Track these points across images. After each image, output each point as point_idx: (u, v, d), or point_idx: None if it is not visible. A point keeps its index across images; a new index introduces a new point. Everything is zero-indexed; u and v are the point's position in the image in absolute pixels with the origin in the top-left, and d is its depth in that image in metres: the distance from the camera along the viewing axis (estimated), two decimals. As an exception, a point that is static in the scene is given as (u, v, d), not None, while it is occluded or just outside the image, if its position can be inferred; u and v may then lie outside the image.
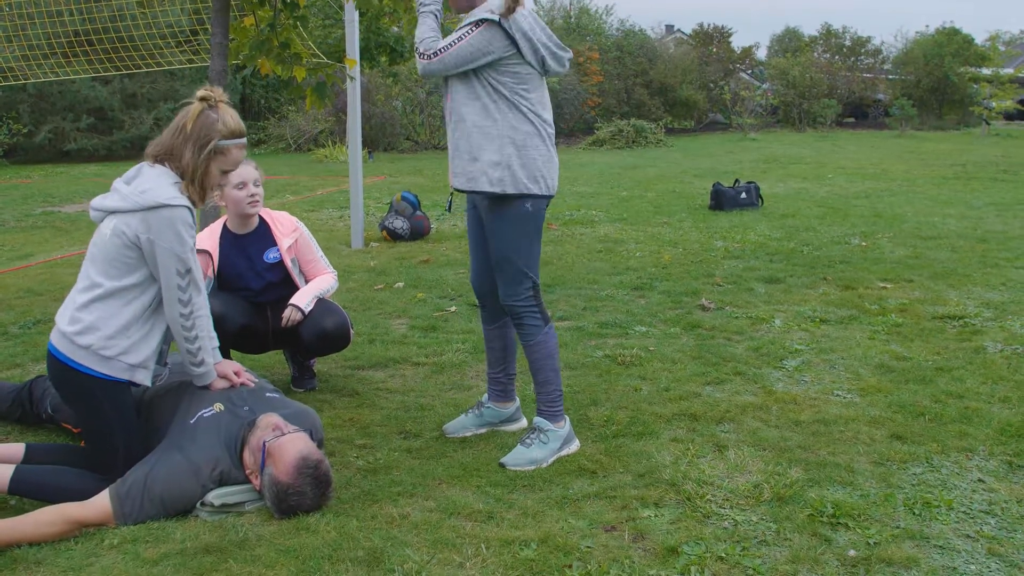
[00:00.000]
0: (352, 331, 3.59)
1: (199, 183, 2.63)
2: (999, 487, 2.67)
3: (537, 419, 2.98)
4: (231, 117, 2.68)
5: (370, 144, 18.20)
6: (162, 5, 13.90)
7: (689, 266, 6.01)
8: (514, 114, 2.84)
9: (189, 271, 2.62)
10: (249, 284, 3.51)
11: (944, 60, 24.28)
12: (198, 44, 15.26)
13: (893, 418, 3.21)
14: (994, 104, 21.84)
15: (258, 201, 3.45)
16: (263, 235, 3.54)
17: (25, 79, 12.97)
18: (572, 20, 24.87)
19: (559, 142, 21.33)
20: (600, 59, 22.39)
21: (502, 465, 2.86)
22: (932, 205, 9.20)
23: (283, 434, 2.57)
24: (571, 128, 22.04)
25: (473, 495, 2.65)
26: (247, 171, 3.36)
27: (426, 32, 2.83)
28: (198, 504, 2.57)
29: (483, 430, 3.17)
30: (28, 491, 2.62)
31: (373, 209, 9.35)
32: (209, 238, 3.49)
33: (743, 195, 8.94)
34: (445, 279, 5.73)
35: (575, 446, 3.01)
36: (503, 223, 2.90)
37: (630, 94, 22.84)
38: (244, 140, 2.73)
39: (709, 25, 25.69)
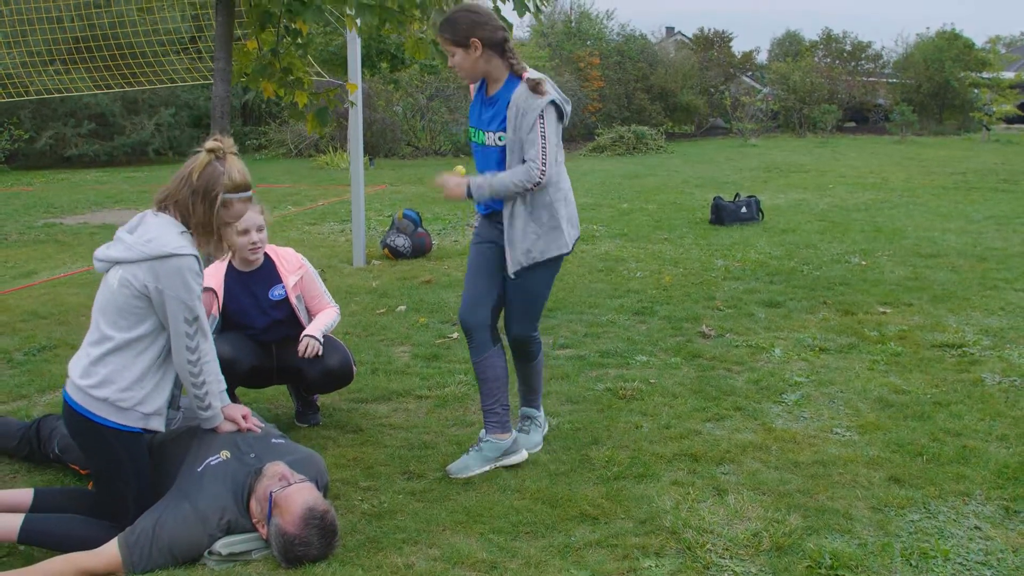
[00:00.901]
0: (355, 368, 3.63)
1: (216, 234, 2.67)
2: (995, 535, 2.71)
3: (527, 409, 3.47)
4: (237, 171, 2.70)
5: (371, 150, 18.22)
6: (162, 11, 13.94)
7: (690, 288, 6.04)
8: (563, 172, 3.20)
9: (197, 318, 2.66)
10: (254, 322, 3.54)
11: (944, 65, 24.31)
12: (196, 53, 15.31)
13: (891, 458, 3.24)
14: (995, 109, 21.87)
15: (259, 248, 3.47)
16: (268, 272, 3.57)
17: (27, 94, 13.02)
18: (573, 25, 24.88)
19: (560, 147, 21.37)
20: (601, 64, 22.43)
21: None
22: (932, 218, 9.24)
23: (289, 484, 2.61)
24: (572, 134, 22.07)
25: (477, 543, 2.69)
26: (252, 218, 3.38)
27: (518, 178, 3.07)
28: (206, 553, 2.61)
29: (487, 467, 3.23)
30: (38, 540, 2.66)
31: (375, 223, 9.38)
32: (214, 275, 3.51)
33: (743, 209, 8.98)
34: (447, 302, 5.76)
35: (547, 424, 3.59)
36: (547, 269, 3.25)
37: (630, 99, 22.89)
38: (249, 194, 2.76)
39: (709, 30, 25.74)
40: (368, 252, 7.40)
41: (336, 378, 3.52)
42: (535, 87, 3.07)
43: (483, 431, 3.29)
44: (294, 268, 3.61)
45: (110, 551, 2.56)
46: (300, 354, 3.46)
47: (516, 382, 3.52)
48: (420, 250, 7.40)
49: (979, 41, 24.86)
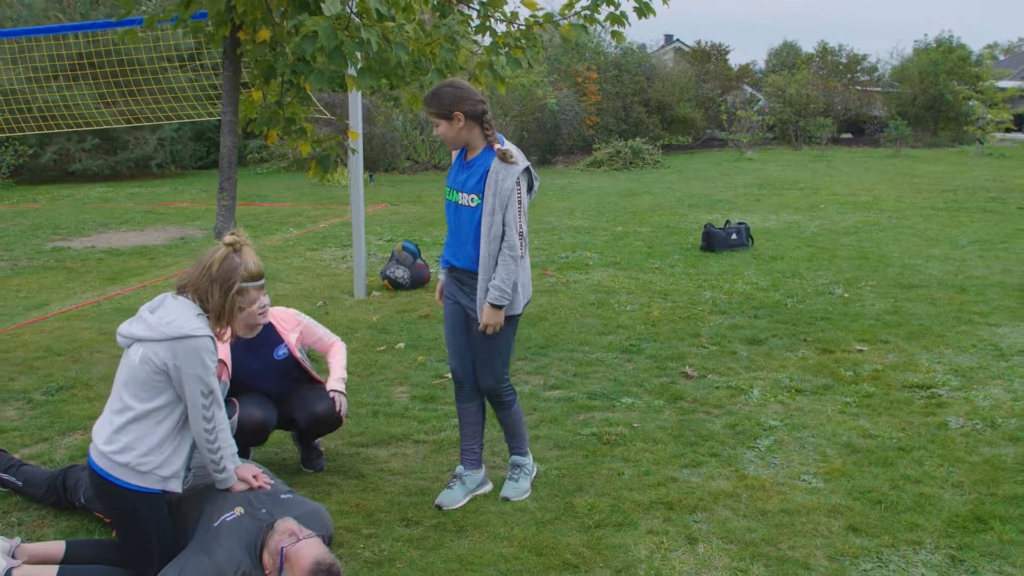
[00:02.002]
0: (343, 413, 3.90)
1: (226, 320, 2.94)
2: (940, 584, 2.97)
3: (515, 458, 3.75)
4: (253, 261, 2.99)
5: (371, 166, 18.50)
6: (164, 28, 14.26)
7: (677, 323, 6.31)
8: (525, 240, 3.46)
9: (212, 392, 2.93)
10: (267, 383, 3.80)
11: (939, 78, 24.58)
12: (197, 68, 15.56)
13: (852, 507, 3.51)
14: (990, 115, 22.09)
15: (267, 309, 3.74)
16: (269, 335, 3.83)
17: (30, 110, 13.30)
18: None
19: (558, 160, 21.76)
20: (598, 78, 22.70)
21: (505, 499, 3.61)
22: (918, 243, 9.51)
23: (299, 539, 2.87)
24: (569, 147, 22.35)
25: (468, 592, 2.96)
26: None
27: (507, 258, 3.41)
28: (222, 602, 2.87)
29: (469, 498, 3.66)
30: (70, 590, 2.93)
31: (375, 247, 9.66)
32: (221, 346, 3.75)
33: (733, 236, 9.26)
34: (443, 338, 6.02)
35: (536, 468, 3.83)
36: (506, 326, 3.52)
37: (628, 112, 23.16)
38: (262, 282, 3.04)
39: (707, 43, 26.01)
40: (368, 282, 7.66)
41: (324, 424, 3.80)
42: (503, 156, 3.41)
43: (461, 467, 3.73)
44: (292, 326, 3.88)
45: (136, 601, 2.83)
46: (337, 410, 3.80)
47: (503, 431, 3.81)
48: (419, 281, 7.67)
49: (976, 47, 25.19)
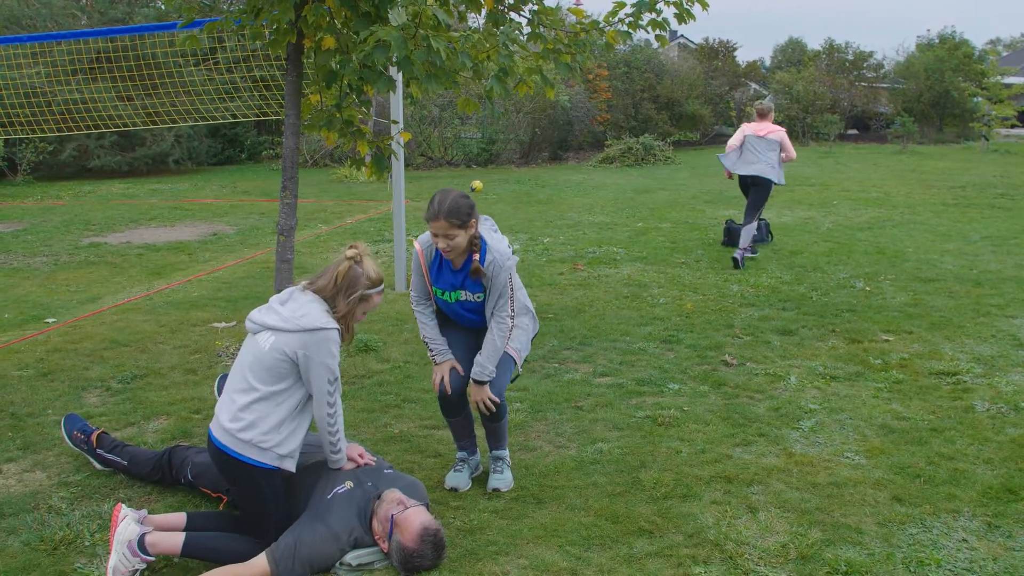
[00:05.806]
0: None
1: (348, 323, 3.27)
2: (979, 546, 3.30)
3: (497, 452, 3.94)
4: (373, 270, 3.32)
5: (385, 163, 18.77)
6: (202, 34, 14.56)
7: (710, 315, 6.63)
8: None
9: (336, 379, 3.26)
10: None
11: (945, 76, 24.86)
12: (213, 65, 15.83)
13: (894, 480, 3.84)
14: (995, 112, 22.39)
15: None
16: None
17: (57, 127, 13.60)
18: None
19: (569, 157, 22.07)
20: (608, 75, 22.99)
21: (496, 490, 3.80)
22: (932, 239, 9.83)
23: (407, 508, 3.20)
24: (580, 143, 22.68)
25: (557, 554, 3.29)
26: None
27: (500, 336, 3.72)
28: (337, 564, 3.20)
29: (478, 473, 4.01)
30: (198, 553, 3.25)
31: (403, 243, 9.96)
32: None
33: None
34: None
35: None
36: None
37: (637, 109, 23.45)
38: (383, 287, 3.36)
39: (715, 40, 26.29)
40: (408, 276, 7.99)
41: None
42: (476, 273, 3.64)
43: (464, 453, 3.97)
44: None
45: (260, 563, 3.15)
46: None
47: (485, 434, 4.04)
48: (457, 275, 8.00)
49: (979, 41, 25.50)
